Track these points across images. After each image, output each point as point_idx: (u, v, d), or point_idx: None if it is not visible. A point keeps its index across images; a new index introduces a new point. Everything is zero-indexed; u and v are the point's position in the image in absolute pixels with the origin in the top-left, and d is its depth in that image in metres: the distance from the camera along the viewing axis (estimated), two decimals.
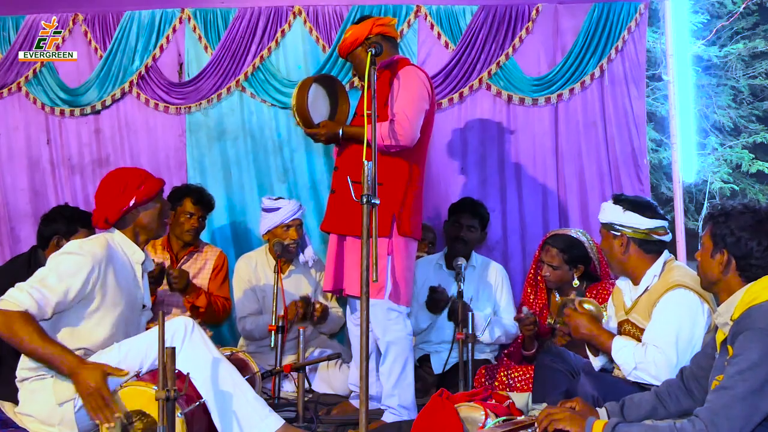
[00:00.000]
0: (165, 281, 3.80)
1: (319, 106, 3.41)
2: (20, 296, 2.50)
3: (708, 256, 2.34)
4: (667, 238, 2.95)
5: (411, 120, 3.18)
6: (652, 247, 2.92)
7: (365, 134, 2.80)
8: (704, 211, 8.54)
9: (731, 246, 2.28)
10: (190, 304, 3.90)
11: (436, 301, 3.86)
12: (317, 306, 3.89)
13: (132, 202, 2.80)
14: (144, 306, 2.91)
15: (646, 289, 2.91)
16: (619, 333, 3.02)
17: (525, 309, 3.54)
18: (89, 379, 2.43)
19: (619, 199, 3.01)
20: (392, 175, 3.25)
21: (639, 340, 2.87)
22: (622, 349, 2.78)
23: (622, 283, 3.05)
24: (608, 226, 3.00)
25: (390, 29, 3.40)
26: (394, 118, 3.18)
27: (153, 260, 2.99)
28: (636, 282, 2.97)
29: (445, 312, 3.90)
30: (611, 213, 2.98)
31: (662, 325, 2.72)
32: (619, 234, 2.95)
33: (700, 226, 8.54)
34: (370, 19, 3.38)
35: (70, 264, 2.62)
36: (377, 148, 2.97)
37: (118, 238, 2.84)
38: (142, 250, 2.89)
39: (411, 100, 3.21)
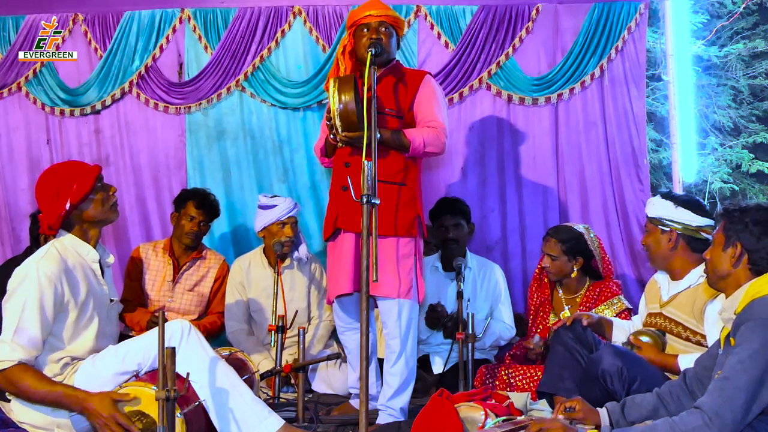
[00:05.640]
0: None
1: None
2: (7, 350, 2.50)
3: (720, 250, 2.35)
4: None
5: (447, 130, 3.25)
6: (699, 245, 2.92)
7: (405, 143, 3.08)
8: None
9: (745, 239, 2.29)
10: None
11: (435, 319, 3.85)
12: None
13: (68, 205, 2.67)
14: (112, 300, 2.85)
15: (689, 286, 2.92)
16: (649, 325, 3.05)
17: (536, 338, 3.55)
18: (100, 409, 2.45)
19: (669, 196, 3.02)
20: (411, 176, 3.25)
21: (672, 332, 2.92)
22: (689, 365, 2.75)
23: (660, 277, 3.08)
24: (657, 221, 3.01)
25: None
26: (431, 126, 3.19)
27: (110, 253, 2.90)
28: (676, 278, 2.97)
29: None
30: (662, 208, 2.99)
31: None
32: (668, 229, 2.96)
33: None
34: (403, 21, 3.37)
35: (33, 292, 2.54)
36: (416, 153, 3.16)
37: (68, 242, 2.72)
38: (95, 245, 2.78)
39: (443, 111, 3.27)
